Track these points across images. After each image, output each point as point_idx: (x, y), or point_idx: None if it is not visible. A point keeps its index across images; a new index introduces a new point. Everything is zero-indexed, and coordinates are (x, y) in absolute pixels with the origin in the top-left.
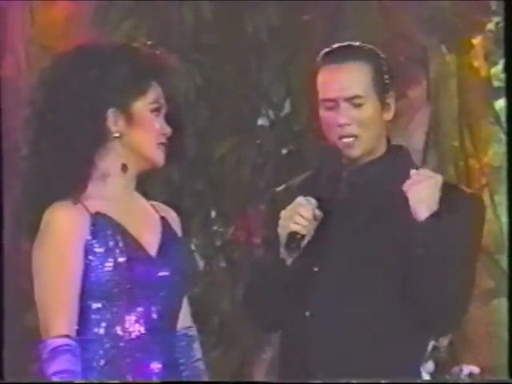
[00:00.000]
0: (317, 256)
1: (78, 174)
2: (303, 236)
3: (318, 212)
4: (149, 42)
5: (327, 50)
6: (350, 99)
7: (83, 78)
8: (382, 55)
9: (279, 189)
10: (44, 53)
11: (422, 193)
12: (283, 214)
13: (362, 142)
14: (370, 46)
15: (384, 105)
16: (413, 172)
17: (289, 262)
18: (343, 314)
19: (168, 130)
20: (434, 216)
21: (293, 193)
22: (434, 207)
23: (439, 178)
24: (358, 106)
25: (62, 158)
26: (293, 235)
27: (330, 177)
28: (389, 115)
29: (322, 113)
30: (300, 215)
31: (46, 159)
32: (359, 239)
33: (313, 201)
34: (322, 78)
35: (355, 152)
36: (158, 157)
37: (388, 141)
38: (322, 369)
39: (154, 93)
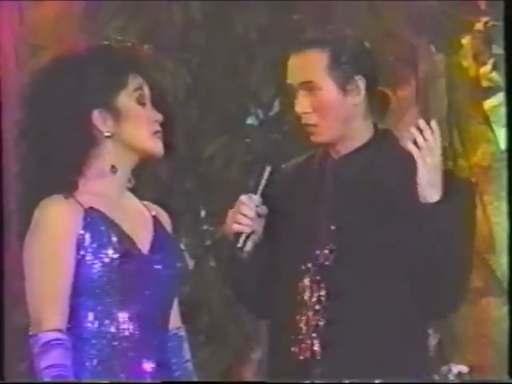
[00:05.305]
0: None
1: (69, 181)
2: (249, 235)
3: (261, 209)
4: (119, 38)
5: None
6: (303, 84)
7: (62, 88)
8: (350, 43)
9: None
10: (33, 52)
11: (433, 174)
12: (229, 213)
13: (324, 130)
14: (332, 35)
15: (345, 91)
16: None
17: (244, 256)
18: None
19: (159, 117)
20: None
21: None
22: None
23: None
24: (314, 91)
25: (52, 168)
26: (237, 235)
27: (318, 166)
28: (356, 99)
29: (294, 101)
30: (242, 214)
31: (37, 169)
32: (352, 226)
33: (255, 198)
34: (288, 65)
35: (319, 138)
36: (155, 146)
37: (375, 126)
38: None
39: (134, 83)
